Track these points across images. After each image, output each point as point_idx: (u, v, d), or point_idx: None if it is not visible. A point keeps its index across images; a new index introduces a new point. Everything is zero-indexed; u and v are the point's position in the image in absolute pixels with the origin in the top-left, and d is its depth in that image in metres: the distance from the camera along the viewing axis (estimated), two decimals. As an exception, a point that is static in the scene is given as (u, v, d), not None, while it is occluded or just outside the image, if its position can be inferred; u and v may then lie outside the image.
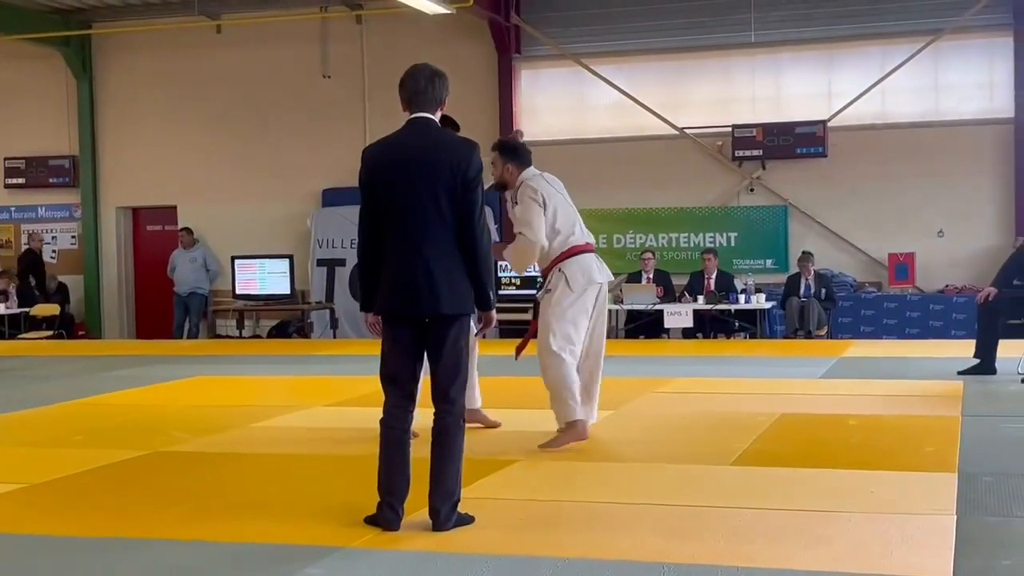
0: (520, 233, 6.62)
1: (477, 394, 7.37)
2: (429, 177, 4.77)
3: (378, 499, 4.85)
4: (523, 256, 6.68)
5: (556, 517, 5.07)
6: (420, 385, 4.95)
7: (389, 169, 4.84)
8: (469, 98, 17.79)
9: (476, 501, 5.36)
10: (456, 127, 6.92)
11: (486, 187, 6.30)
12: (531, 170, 6.87)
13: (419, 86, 4.92)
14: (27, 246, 18.73)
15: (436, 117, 4.95)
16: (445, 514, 4.79)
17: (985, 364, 9.60)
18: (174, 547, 4.72)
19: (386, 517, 4.82)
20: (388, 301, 4.82)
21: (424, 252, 4.76)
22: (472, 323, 5.51)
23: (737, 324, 14.86)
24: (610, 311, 15.68)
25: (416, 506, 5.07)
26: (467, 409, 5.86)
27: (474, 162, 4.82)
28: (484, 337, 5.92)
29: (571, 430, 6.60)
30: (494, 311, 5.02)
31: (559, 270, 6.68)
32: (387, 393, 4.89)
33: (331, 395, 9.34)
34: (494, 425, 7.41)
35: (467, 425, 5.01)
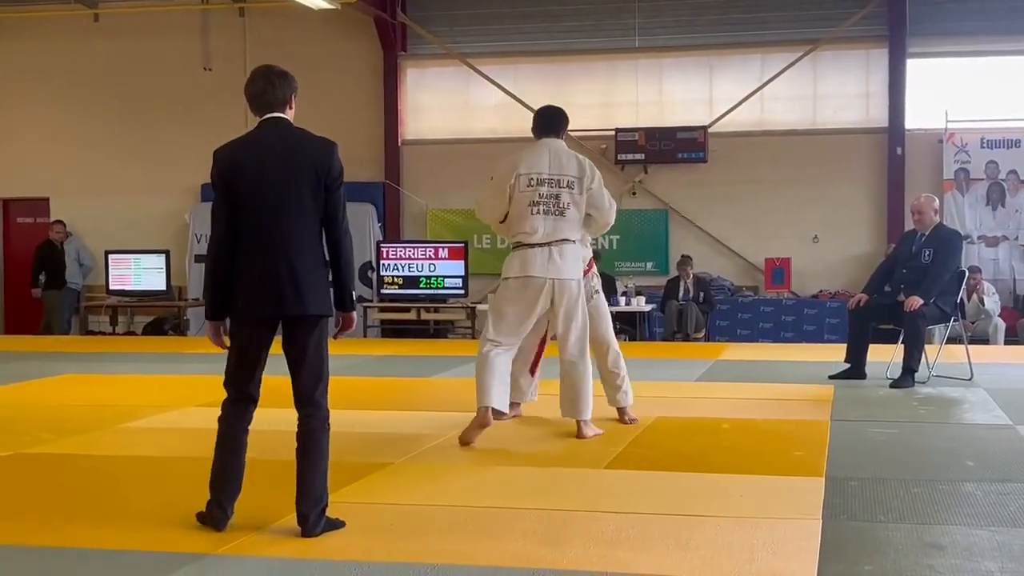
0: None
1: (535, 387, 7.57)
2: (293, 176, 4.71)
3: (208, 497, 4.80)
4: (612, 219, 7.07)
5: (427, 522, 5.02)
6: (259, 388, 4.93)
7: (251, 168, 4.75)
8: (354, 95, 17.71)
9: (348, 505, 5.29)
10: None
11: None
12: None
13: (258, 88, 4.86)
14: None
15: (288, 116, 4.86)
16: (313, 520, 4.71)
17: (855, 368, 9.80)
18: (31, 554, 4.56)
19: (214, 516, 4.77)
20: (251, 303, 4.72)
21: (289, 252, 4.68)
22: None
23: (617, 326, 14.94)
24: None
25: (284, 511, 4.99)
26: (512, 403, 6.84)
27: (335, 162, 4.77)
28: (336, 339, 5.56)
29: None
30: (355, 313, 4.95)
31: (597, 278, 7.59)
32: (230, 393, 4.85)
33: (205, 395, 9.13)
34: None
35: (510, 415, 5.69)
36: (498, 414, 6.82)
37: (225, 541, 4.63)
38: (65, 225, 17.54)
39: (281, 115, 4.85)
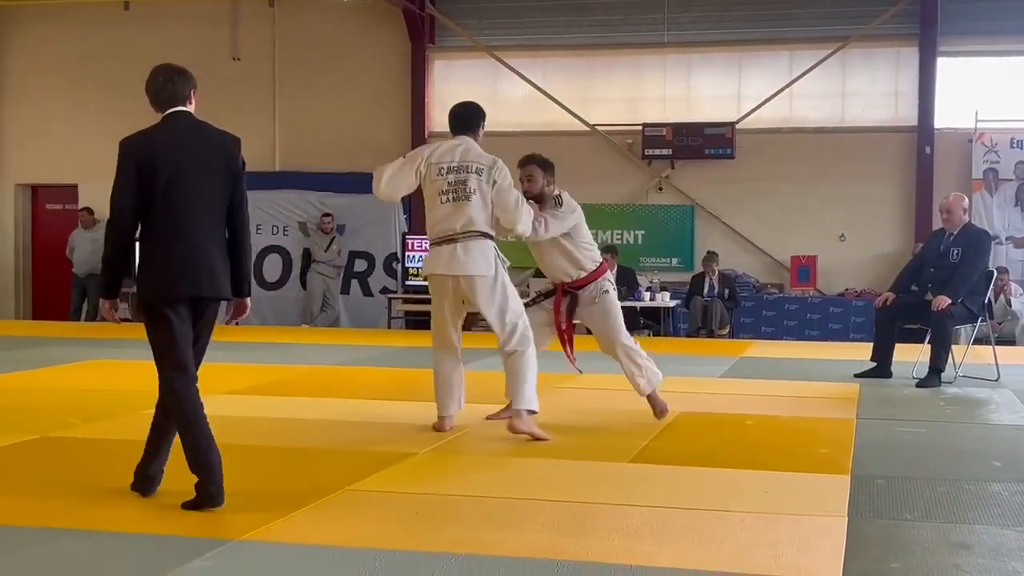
0: (541, 226, 6.95)
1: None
2: (208, 165, 4.99)
3: (196, 480, 4.88)
4: (525, 226, 6.76)
5: (451, 512, 5.03)
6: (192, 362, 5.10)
7: (171, 156, 4.95)
8: (382, 87, 17.74)
9: (372, 495, 5.31)
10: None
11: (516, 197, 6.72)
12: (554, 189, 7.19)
13: (159, 84, 5.09)
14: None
15: (190, 111, 5.10)
16: (219, 487, 4.88)
17: (881, 367, 9.76)
18: (57, 536, 4.58)
19: (210, 494, 4.85)
20: (170, 285, 4.92)
21: (203, 238, 4.96)
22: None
23: (641, 321, 14.95)
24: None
25: (308, 498, 5.01)
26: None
27: (239, 154, 5.12)
28: (228, 323, 5.67)
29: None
30: (247, 299, 5.22)
31: (608, 280, 7.28)
32: (172, 368, 4.98)
33: (229, 383, 9.18)
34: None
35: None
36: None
37: (249, 527, 4.64)
38: (93, 212, 17.61)
39: (184, 109, 5.09)
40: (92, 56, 18.29)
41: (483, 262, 6.50)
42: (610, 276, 7.38)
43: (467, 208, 6.49)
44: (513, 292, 6.69)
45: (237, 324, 5.40)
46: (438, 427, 6.81)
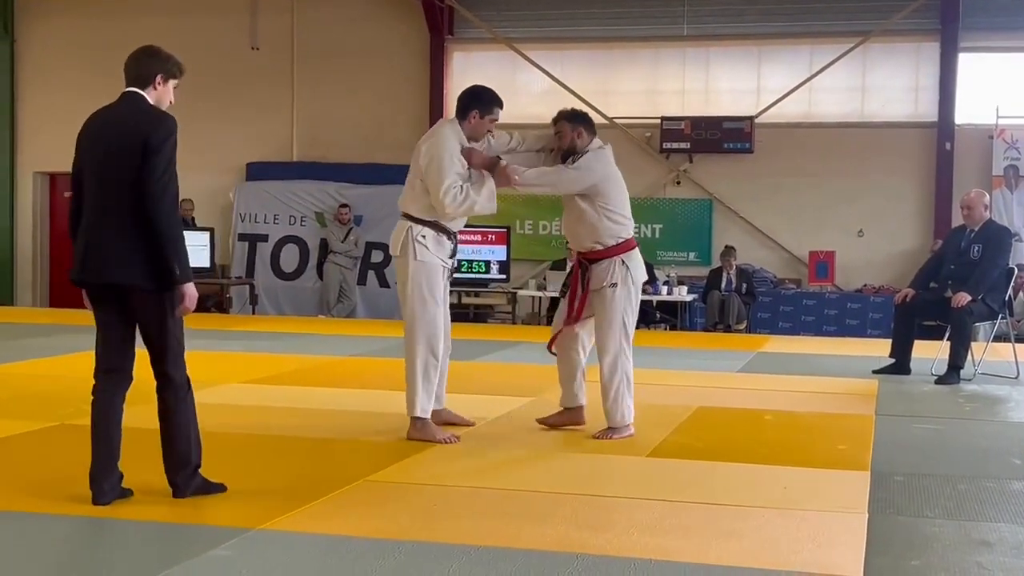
0: (552, 183, 6.58)
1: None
2: (113, 148, 4.76)
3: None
4: (535, 185, 6.58)
5: (469, 504, 5.02)
6: (128, 360, 4.95)
7: (83, 137, 4.91)
8: (400, 78, 17.73)
9: (390, 485, 5.32)
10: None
11: (550, 153, 6.64)
12: (598, 142, 6.68)
13: (128, 62, 4.98)
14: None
15: (147, 93, 4.91)
16: (182, 482, 4.88)
17: (900, 364, 9.71)
18: (75, 524, 4.59)
19: (94, 494, 4.81)
20: (73, 270, 4.89)
21: (100, 222, 4.76)
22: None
23: (658, 315, 14.92)
24: (532, 297, 15.72)
25: (326, 488, 5.01)
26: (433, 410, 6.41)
27: (159, 131, 4.73)
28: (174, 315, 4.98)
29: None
30: (187, 285, 4.76)
31: (622, 262, 6.48)
32: (96, 378, 4.95)
33: (247, 372, 9.20)
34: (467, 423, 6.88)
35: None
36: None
37: (268, 516, 4.64)
38: (111, 201, 17.65)
39: (137, 91, 4.90)
40: (109, 45, 18.15)
41: (396, 241, 6.40)
42: (630, 264, 6.48)
43: (404, 191, 6.49)
44: (411, 282, 6.32)
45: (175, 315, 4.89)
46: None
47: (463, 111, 6.53)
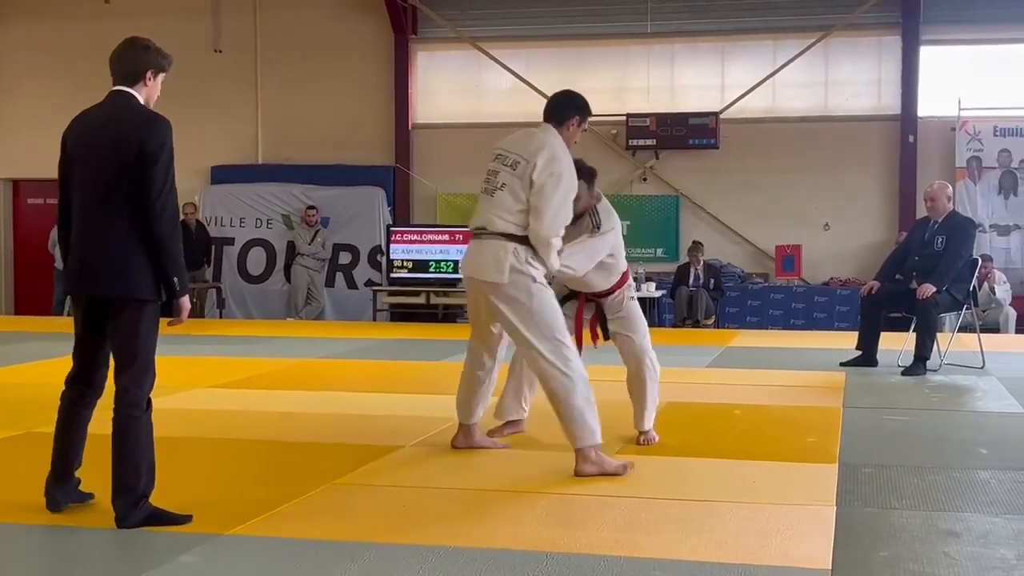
0: (585, 260, 5.97)
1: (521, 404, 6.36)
2: (102, 152, 4.52)
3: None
4: (555, 242, 5.58)
5: (439, 505, 5.00)
6: (100, 374, 4.78)
7: (71, 142, 4.66)
8: (365, 78, 17.68)
9: (359, 488, 5.29)
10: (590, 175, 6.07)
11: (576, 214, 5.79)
12: (602, 196, 6.18)
13: (113, 58, 4.68)
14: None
15: (135, 91, 4.65)
16: (122, 511, 4.53)
17: (867, 356, 9.77)
18: (41, 532, 4.55)
19: (48, 501, 4.74)
20: (64, 279, 4.75)
21: (89, 230, 4.56)
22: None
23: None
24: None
25: (297, 492, 4.98)
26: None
27: (152, 138, 4.50)
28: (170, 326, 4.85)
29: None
30: (185, 298, 4.63)
31: (630, 285, 6.41)
32: (66, 386, 4.82)
33: (214, 377, 9.15)
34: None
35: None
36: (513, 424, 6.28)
37: (236, 521, 4.61)
38: (75, 206, 17.52)
39: (125, 89, 4.64)
40: (72, 50, 18.16)
41: (494, 267, 5.46)
42: (632, 283, 6.52)
43: (490, 204, 5.56)
44: (558, 318, 5.60)
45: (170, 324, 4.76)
46: (454, 440, 6.15)
47: (561, 118, 5.76)
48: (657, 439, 6.39)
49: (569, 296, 6.35)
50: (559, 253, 5.62)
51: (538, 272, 5.52)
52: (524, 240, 5.49)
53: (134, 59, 4.65)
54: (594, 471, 5.45)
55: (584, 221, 6.02)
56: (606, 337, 6.37)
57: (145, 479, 4.58)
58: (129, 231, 4.48)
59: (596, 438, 5.51)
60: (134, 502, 4.54)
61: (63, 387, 4.83)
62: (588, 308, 6.32)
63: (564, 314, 5.83)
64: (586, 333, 6.35)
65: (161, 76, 4.73)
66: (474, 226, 5.66)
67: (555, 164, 5.51)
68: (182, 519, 4.58)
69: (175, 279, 4.55)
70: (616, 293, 6.30)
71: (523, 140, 5.70)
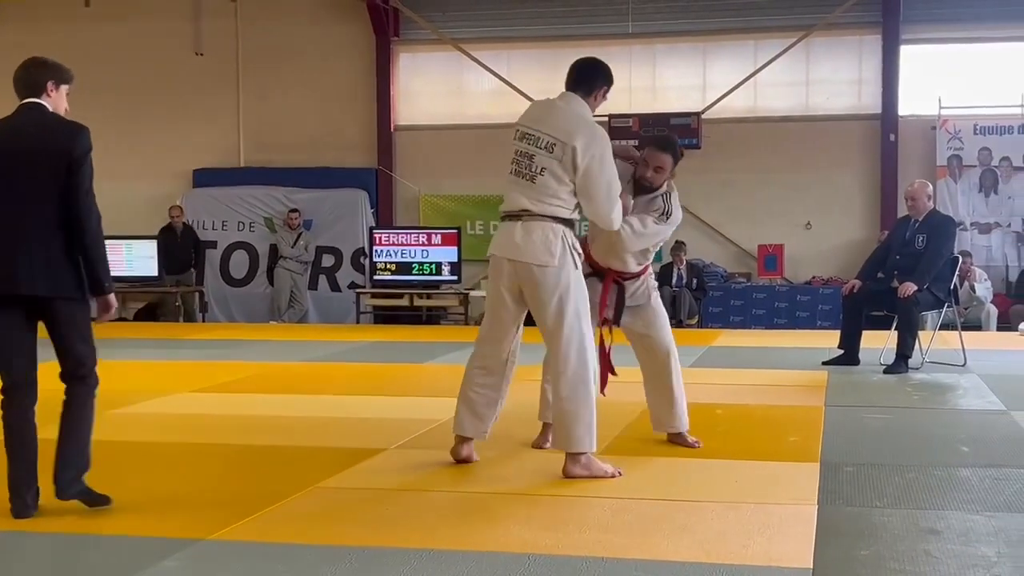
0: (652, 239, 5.95)
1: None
2: (31, 159, 4.76)
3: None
4: (616, 223, 5.55)
5: (421, 507, 5.00)
6: (30, 375, 4.85)
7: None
8: (347, 81, 17.68)
9: (342, 491, 5.29)
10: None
11: (628, 179, 5.81)
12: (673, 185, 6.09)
13: (17, 74, 5.01)
14: None
15: (46, 102, 4.94)
16: (66, 483, 4.80)
17: (849, 355, 9.80)
18: (23, 540, 4.53)
19: (15, 507, 4.77)
20: None
21: (16, 233, 4.72)
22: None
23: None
24: (485, 298, 15.70)
25: (278, 496, 4.98)
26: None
27: (79, 144, 4.81)
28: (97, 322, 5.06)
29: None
30: (111, 296, 4.91)
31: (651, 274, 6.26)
32: (3, 392, 4.87)
33: (196, 381, 9.12)
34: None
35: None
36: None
37: (218, 526, 4.61)
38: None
39: (37, 100, 4.92)
40: (53, 52, 17.79)
41: (542, 250, 5.32)
42: (652, 272, 6.33)
43: (530, 191, 5.36)
44: (585, 309, 5.47)
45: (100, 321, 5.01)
46: (454, 453, 5.82)
47: (590, 87, 5.57)
48: (699, 443, 6.19)
49: (592, 275, 6.01)
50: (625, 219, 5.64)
51: (579, 258, 5.46)
52: (571, 224, 5.42)
53: (33, 74, 4.98)
54: (584, 474, 5.41)
55: (656, 203, 5.91)
56: (617, 323, 6.14)
57: (88, 455, 4.89)
58: (57, 232, 4.73)
59: (593, 446, 5.45)
60: (78, 475, 4.84)
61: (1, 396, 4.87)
62: (613, 288, 6.07)
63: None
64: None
65: (64, 88, 5.04)
66: (511, 209, 5.44)
67: (595, 144, 5.36)
68: (106, 500, 4.89)
69: (102, 276, 4.83)
70: (641, 279, 6.12)
71: (553, 117, 5.48)
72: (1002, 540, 4.40)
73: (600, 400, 6.63)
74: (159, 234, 16.80)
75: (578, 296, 5.41)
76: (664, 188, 5.97)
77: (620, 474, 5.47)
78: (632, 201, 5.86)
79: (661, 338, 6.16)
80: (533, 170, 5.38)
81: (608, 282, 6.07)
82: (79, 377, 4.85)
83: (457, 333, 13.78)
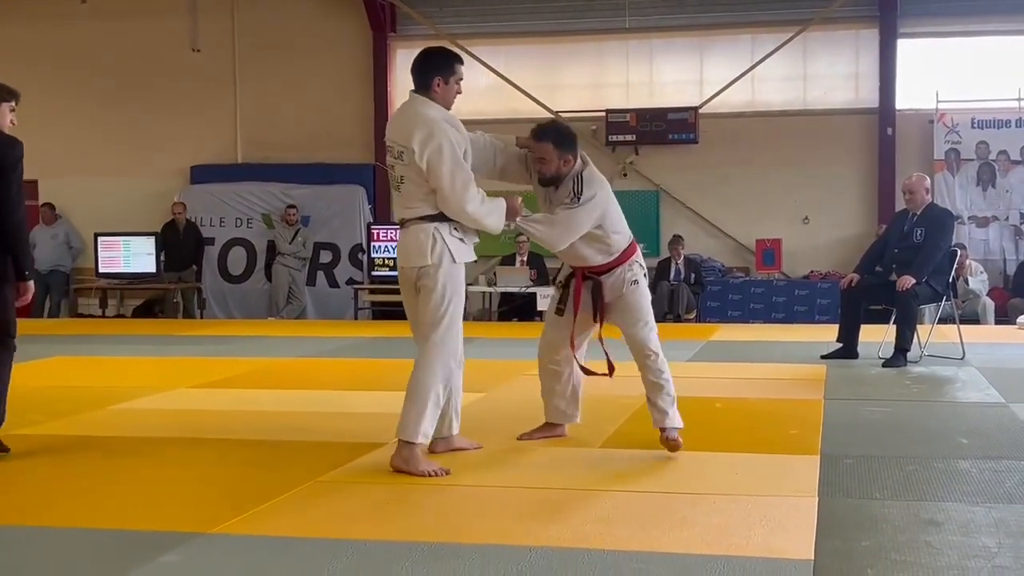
0: (563, 232, 5.71)
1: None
2: None
3: None
4: (473, 210, 5.43)
5: (421, 500, 5.00)
6: None
7: None
8: (344, 77, 17.66)
9: (341, 485, 5.28)
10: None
11: (528, 182, 5.87)
12: (588, 162, 5.88)
13: None
14: None
15: None
16: None
17: (847, 348, 9.80)
18: (21, 533, 4.53)
19: None
20: None
21: None
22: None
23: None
24: (483, 294, 15.70)
25: (278, 491, 4.98)
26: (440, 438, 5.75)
27: (14, 152, 5.79)
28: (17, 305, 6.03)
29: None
30: (30, 283, 5.89)
31: (631, 263, 5.94)
32: None
33: (195, 377, 9.12)
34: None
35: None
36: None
37: (219, 520, 4.60)
38: (55, 208, 17.45)
39: None
40: (50, 50, 18.08)
41: (416, 253, 5.44)
42: (640, 260, 6.03)
43: (400, 200, 5.53)
44: (456, 302, 5.53)
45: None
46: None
47: (425, 81, 5.65)
48: (679, 441, 5.91)
49: (571, 275, 6.03)
50: (532, 221, 5.67)
51: (465, 246, 5.52)
52: (443, 217, 5.44)
53: None
54: (403, 467, 5.40)
55: (565, 189, 5.75)
56: (598, 319, 5.98)
57: (3, 410, 5.90)
58: None
59: (418, 438, 5.42)
60: None
61: None
62: (586, 286, 5.92)
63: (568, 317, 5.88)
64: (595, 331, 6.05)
65: (6, 105, 5.90)
66: (396, 220, 5.68)
67: (431, 139, 5.41)
68: (5, 449, 5.89)
69: (25, 265, 5.82)
70: (616, 270, 5.90)
71: (397, 124, 5.60)
72: (1002, 531, 4.40)
73: (600, 394, 6.67)
74: (161, 230, 16.79)
75: (453, 291, 5.49)
76: (574, 171, 5.79)
77: (447, 473, 5.40)
78: (521, 200, 5.71)
79: (634, 334, 5.94)
80: (397, 180, 5.52)
81: (578, 279, 5.97)
82: (5, 340, 5.84)
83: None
